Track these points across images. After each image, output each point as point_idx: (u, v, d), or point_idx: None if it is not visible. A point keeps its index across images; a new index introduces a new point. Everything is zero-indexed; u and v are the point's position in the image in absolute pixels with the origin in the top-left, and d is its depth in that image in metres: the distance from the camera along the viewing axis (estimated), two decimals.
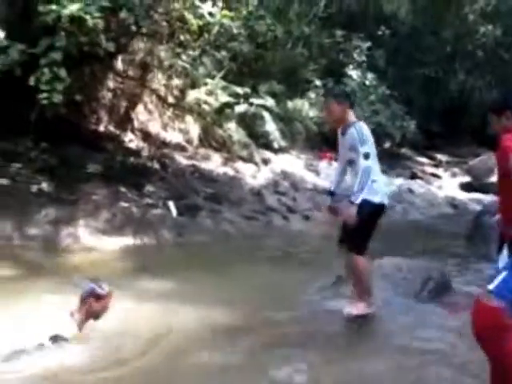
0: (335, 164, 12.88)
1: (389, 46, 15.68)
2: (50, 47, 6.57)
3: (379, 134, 13.83)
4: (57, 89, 6.53)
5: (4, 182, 6.80)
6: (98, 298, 3.66)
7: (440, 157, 15.91)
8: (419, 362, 3.38)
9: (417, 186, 12.37)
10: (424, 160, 15.52)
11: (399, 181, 12.69)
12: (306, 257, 6.66)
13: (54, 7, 6.32)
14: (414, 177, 13.43)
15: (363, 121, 4.23)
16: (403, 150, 15.43)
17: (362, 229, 3.97)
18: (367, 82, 14.35)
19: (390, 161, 14.28)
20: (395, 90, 14.44)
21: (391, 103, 14.26)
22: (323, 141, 13.58)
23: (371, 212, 3.94)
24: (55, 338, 3.46)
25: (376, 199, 3.95)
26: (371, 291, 4.10)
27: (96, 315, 3.70)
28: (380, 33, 15.77)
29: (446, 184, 13.21)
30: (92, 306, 3.65)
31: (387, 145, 14.46)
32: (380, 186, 4.00)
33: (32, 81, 6.51)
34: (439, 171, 14.62)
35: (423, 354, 3.51)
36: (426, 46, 15.94)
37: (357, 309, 4.05)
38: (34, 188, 6.94)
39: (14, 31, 6.39)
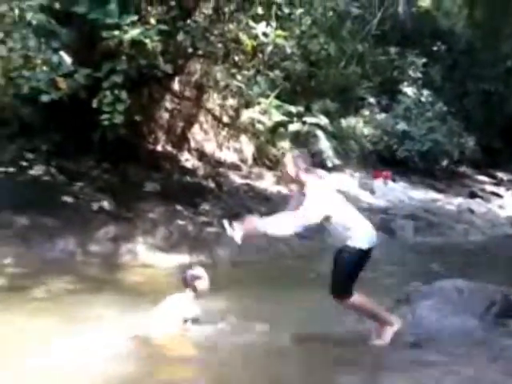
0: (391, 183, 12.76)
1: (445, 61, 15.39)
2: (112, 71, 6.82)
3: (436, 152, 13.57)
4: (118, 110, 6.75)
5: (68, 199, 7.07)
6: (199, 278, 4.23)
7: (501, 175, 15.32)
8: None
9: (476, 205, 11.94)
10: (484, 178, 14.98)
11: (458, 200, 12.31)
12: (362, 277, 6.52)
13: (116, 33, 6.57)
14: (473, 196, 12.98)
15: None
16: (462, 168, 14.97)
17: (343, 275, 3.92)
18: (423, 99, 14.11)
19: (448, 180, 13.91)
20: (452, 107, 14.11)
21: (448, 120, 13.93)
22: (378, 159, 13.41)
23: (349, 259, 3.89)
24: None
25: (353, 244, 3.87)
26: (383, 316, 4.02)
27: (203, 294, 4.24)
28: (435, 48, 15.52)
29: (508, 203, 12.68)
30: (199, 286, 4.20)
31: (444, 163, 14.09)
32: (357, 233, 3.89)
33: (95, 103, 6.78)
34: (500, 190, 14.06)
35: None
36: (484, 61, 15.52)
37: (385, 337, 3.97)
38: (96, 206, 7.18)
39: (80, 57, 6.68)
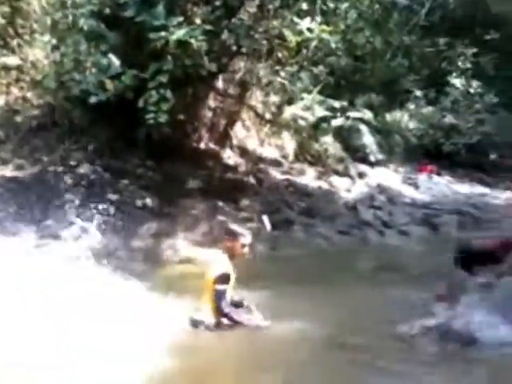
0: (436, 177, 12.53)
1: (499, 50, 14.85)
2: (158, 71, 7.04)
3: (484, 145, 13.21)
4: (162, 109, 6.99)
5: (114, 197, 7.36)
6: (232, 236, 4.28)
7: None
8: None
9: None
10: None
11: (506, 194, 11.98)
12: (402, 274, 6.49)
13: (162, 34, 6.78)
14: None
15: None
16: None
17: None
18: (472, 90, 13.74)
19: (496, 173, 13.51)
20: (504, 97, 13.67)
21: (499, 111, 13.53)
22: (424, 153, 13.20)
23: None
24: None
25: None
26: None
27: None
28: (488, 37, 14.98)
29: None
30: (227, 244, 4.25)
31: (493, 156, 13.72)
32: None
33: (141, 103, 7.03)
34: None
35: None
36: None
37: None
38: (139, 203, 7.45)
39: (128, 59, 6.93)
